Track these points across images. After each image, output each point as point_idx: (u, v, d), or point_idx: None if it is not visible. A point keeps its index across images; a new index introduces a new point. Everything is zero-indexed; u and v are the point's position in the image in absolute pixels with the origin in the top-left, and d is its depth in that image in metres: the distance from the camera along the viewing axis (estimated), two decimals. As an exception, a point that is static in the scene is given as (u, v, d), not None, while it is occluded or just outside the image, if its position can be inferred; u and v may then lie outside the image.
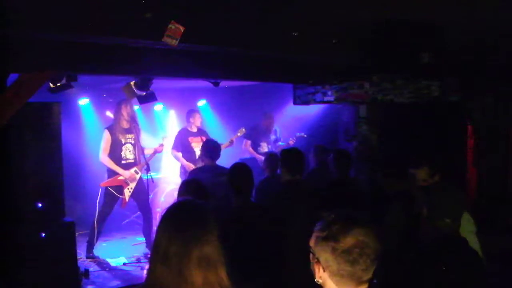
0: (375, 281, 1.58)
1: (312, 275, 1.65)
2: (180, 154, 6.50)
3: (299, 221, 3.20)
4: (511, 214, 5.44)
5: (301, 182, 3.88)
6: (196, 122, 6.67)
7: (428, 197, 2.57)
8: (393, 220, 3.28)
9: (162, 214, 1.72)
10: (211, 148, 4.97)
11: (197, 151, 6.43)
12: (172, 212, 1.71)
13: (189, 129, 6.66)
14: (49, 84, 4.55)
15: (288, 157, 3.93)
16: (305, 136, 7.26)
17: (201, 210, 1.73)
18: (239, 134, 6.92)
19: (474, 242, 2.82)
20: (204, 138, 6.47)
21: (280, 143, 7.40)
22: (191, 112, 6.75)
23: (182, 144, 6.51)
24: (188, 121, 6.70)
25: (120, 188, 5.86)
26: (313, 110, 7.29)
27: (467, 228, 2.85)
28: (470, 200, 5.79)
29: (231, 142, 6.73)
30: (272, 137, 7.44)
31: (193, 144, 6.54)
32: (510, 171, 5.99)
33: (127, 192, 5.91)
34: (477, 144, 6.09)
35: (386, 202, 3.50)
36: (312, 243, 1.62)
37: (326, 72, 5.60)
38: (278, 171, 5.33)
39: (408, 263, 2.50)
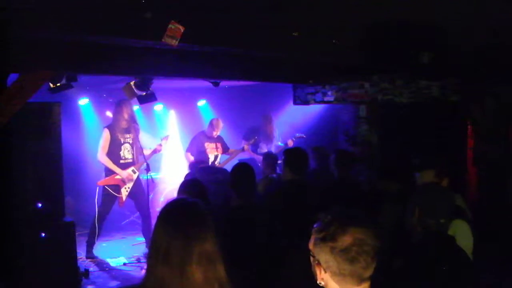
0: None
1: (311, 276, 1.65)
2: (192, 158, 6.52)
3: (299, 221, 3.20)
4: (511, 214, 5.44)
5: (303, 182, 3.87)
6: (217, 131, 6.69)
7: (420, 197, 2.56)
8: (385, 221, 3.28)
9: (159, 214, 1.74)
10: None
11: (211, 157, 6.59)
12: (170, 211, 1.74)
13: (207, 134, 6.69)
14: (49, 84, 4.55)
15: (292, 156, 3.93)
16: (304, 136, 7.25)
17: (197, 208, 1.75)
18: (251, 142, 6.97)
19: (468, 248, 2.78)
20: (219, 145, 6.60)
21: (279, 143, 7.38)
22: (214, 120, 6.77)
23: (197, 149, 6.55)
24: (210, 126, 6.71)
25: (117, 187, 5.86)
26: (313, 110, 7.29)
27: (465, 238, 2.82)
28: (469, 200, 5.79)
29: (243, 150, 6.90)
30: (274, 142, 7.42)
31: (208, 150, 6.61)
32: (510, 171, 5.98)
33: (124, 192, 5.91)
34: (477, 144, 6.09)
35: (381, 202, 3.49)
36: (311, 245, 1.63)
37: (326, 72, 5.60)
38: (277, 171, 5.36)
39: (400, 263, 2.51)
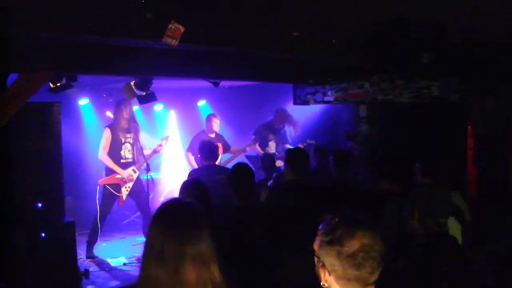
0: None
1: (311, 276, 1.64)
2: (193, 158, 6.50)
3: (300, 222, 3.20)
4: (511, 214, 5.44)
5: (304, 182, 3.87)
6: (215, 127, 6.67)
7: (417, 199, 2.56)
8: (387, 221, 3.28)
9: (153, 214, 1.74)
10: (208, 150, 5.15)
11: None
12: (164, 212, 1.75)
13: (207, 133, 6.68)
14: (49, 84, 4.55)
15: (293, 157, 3.93)
16: (314, 143, 7.04)
17: (192, 208, 1.76)
18: (253, 143, 6.94)
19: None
20: (220, 144, 6.57)
21: (288, 145, 7.32)
22: (210, 116, 6.75)
23: None
24: (207, 125, 6.70)
25: (117, 186, 5.88)
26: (313, 110, 7.28)
27: (454, 228, 2.84)
28: (469, 200, 5.79)
29: (245, 150, 6.89)
30: (282, 137, 7.33)
31: None
32: (510, 171, 5.98)
33: (125, 191, 5.93)
34: (477, 144, 6.09)
35: (382, 202, 3.48)
36: (316, 246, 1.60)
37: (326, 72, 5.59)
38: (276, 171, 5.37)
39: (401, 264, 2.50)
